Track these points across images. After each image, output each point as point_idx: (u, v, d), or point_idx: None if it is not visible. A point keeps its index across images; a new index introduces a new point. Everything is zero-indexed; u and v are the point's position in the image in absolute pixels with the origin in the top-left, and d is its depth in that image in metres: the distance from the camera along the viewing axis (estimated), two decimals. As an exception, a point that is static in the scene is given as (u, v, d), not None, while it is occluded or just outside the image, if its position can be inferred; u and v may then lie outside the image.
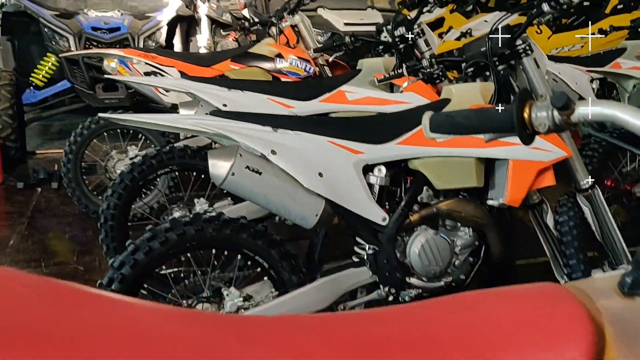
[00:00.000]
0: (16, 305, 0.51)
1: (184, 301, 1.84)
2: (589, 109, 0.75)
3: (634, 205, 2.84)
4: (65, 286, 0.56)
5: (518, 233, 2.47)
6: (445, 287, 1.98)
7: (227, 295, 1.79)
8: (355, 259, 1.97)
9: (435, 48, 3.01)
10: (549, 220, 2.06)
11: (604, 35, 3.80)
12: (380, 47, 2.96)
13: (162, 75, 3.34)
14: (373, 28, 3.08)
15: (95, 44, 4.75)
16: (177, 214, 2.58)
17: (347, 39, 3.17)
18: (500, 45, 1.97)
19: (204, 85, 2.43)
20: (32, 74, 4.84)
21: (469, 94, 1.90)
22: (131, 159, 3.10)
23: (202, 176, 2.59)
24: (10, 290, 0.53)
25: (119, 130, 3.41)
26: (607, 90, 3.38)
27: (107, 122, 3.24)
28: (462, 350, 0.53)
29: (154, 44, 4.99)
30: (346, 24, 5.21)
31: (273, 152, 1.67)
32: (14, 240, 3.20)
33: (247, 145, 1.67)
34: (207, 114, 1.88)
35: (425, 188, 1.93)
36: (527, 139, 0.81)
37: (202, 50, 5.41)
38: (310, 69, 3.49)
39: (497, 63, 1.98)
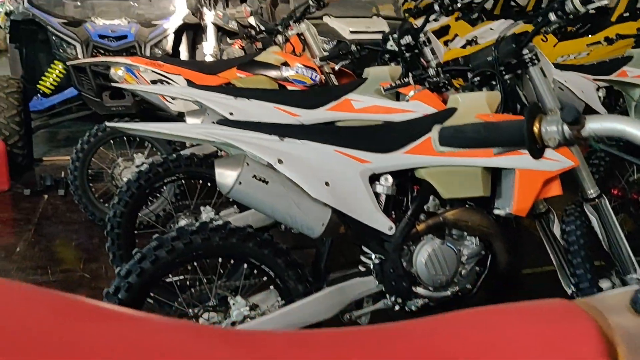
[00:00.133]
0: (11, 317, 0.51)
1: (190, 310, 1.84)
2: (600, 124, 0.75)
3: (641, 214, 2.82)
4: (64, 298, 0.55)
5: (524, 242, 2.46)
6: (452, 296, 1.98)
7: (234, 304, 1.79)
8: (361, 268, 1.97)
9: (441, 56, 3.00)
10: (556, 229, 2.06)
11: (610, 44, 3.79)
12: (386, 55, 2.96)
13: (169, 83, 3.36)
14: (379, 36, 3.08)
15: (102, 51, 4.77)
16: (183, 222, 2.58)
17: (353, 47, 3.17)
18: (506, 55, 1.98)
19: (211, 93, 2.44)
20: (40, 82, 4.86)
21: (475, 103, 1.90)
22: (138, 166, 3.11)
23: (209, 184, 2.59)
24: (6, 302, 0.53)
25: (125, 138, 3.42)
26: (614, 98, 3.38)
27: (114, 130, 3.25)
28: None
29: (160, 52, 5.01)
30: (352, 32, 5.21)
31: (280, 161, 1.67)
32: (20, 247, 3.21)
33: (253, 154, 1.68)
34: (213, 122, 1.89)
35: (431, 197, 1.93)
36: (537, 154, 0.80)
37: (208, 58, 5.42)
38: (316, 77, 3.50)
39: (503, 72, 1.99)
